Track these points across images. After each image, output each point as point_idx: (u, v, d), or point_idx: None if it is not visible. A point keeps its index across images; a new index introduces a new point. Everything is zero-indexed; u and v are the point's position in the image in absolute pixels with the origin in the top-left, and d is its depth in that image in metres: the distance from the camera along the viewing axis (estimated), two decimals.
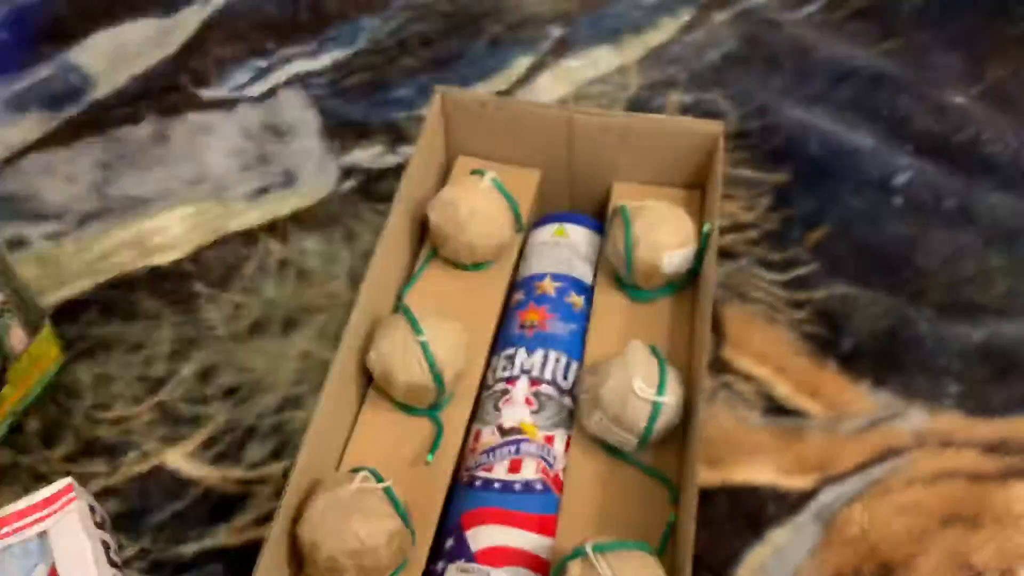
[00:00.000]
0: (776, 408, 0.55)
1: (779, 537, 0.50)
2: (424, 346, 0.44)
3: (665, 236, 0.49)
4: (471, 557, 0.41)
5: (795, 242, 0.64)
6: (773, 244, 0.64)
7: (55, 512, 0.46)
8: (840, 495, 0.51)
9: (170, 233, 0.65)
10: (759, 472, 0.52)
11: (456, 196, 0.50)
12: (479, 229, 0.50)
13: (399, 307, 0.48)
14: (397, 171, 0.68)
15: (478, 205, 0.50)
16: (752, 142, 0.70)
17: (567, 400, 0.48)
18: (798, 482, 0.52)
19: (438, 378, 0.44)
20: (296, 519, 0.41)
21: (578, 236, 0.55)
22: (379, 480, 0.40)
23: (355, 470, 0.42)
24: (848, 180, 0.68)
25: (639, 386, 0.42)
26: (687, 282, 0.51)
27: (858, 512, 0.50)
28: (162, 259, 0.63)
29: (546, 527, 0.43)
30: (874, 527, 0.49)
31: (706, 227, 0.50)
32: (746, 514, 0.50)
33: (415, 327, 0.45)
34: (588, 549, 0.37)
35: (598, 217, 0.58)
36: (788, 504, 0.51)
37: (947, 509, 0.50)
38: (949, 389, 0.55)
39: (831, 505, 0.51)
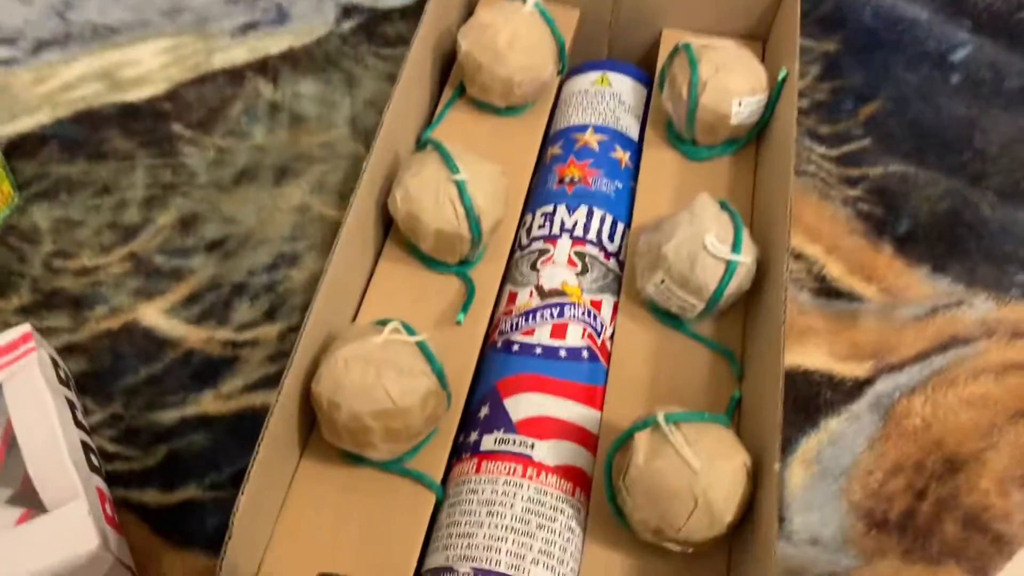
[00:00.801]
0: (828, 290, 0.50)
1: (835, 425, 0.45)
2: (461, 186, 0.37)
3: (737, 80, 0.42)
4: (511, 427, 0.36)
5: (847, 115, 0.58)
6: (823, 116, 0.58)
7: (11, 363, 0.39)
8: (899, 385, 0.46)
9: (143, 67, 0.56)
10: (811, 356, 0.47)
11: (495, 20, 0.43)
12: (520, 61, 0.43)
13: (423, 146, 0.41)
14: (404, 13, 0.60)
15: (520, 32, 0.43)
16: (802, 7, 0.63)
17: (613, 263, 0.42)
18: (853, 369, 0.47)
19: (475, 226, 0.38)
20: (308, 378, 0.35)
21: (623, 86, 0.48)
22: (410, 332, 0.34)
23: (379, 322, 0.35)
24: (902, 53, 0.61)
25: (711, 243, 0.36)
26: (748, 139, 0.45)
27: (919, 403, 0.46)
28: (135, 95, 0.55)
29: (592, 398, 0.37)
30: (938, 420, 0.45)
31: (783, 72, 0.43)
32: (799, 400, 0.45)
33: (450, 164, 0.38)
34: (660, 418, 0.32)
35: (642, 67, 0.51)
36: (843, 391, 0.46)
37: (1019, 403, 0.45)
38: (1016, 278, 0.50)
39: (889, 395, 0.46)
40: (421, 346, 0.34)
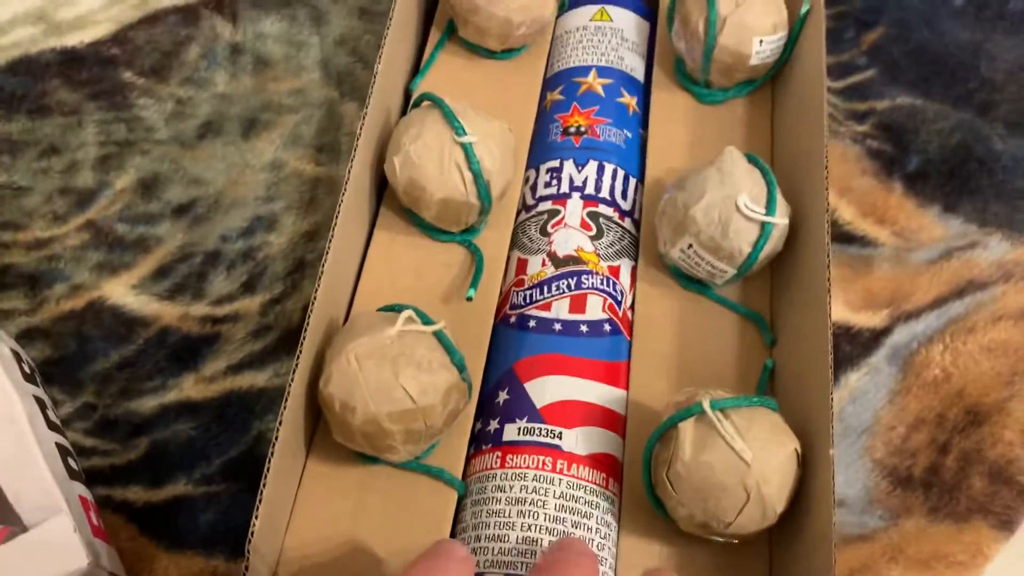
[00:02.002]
0: (840, 235, 0.47)
1: (854, 381, 0.43)
2: (468, 150, 0.34)
3: (757, 16, 0.38)
4: (536, 414, 0.33)
5: (849, 44, 0.55)
6: (827, 46, 0.54)
7: None
8: (916, 334, 0.45)
9: (83, 6, 0.50)
10: None
11: None
12: (520, 0, 0.39)
13: (418, 102, 0.37)
14: None
15: None
16: None
17: (628, 224, 0.39)
18: (870, 319, 0.45)
19: (485, 192, 0.34)
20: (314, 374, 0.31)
21: (625, 21, 0.44)
22: (425, 320, 0.31)
23: (388, 308, 0.32)
24: None
25: (745, 204, 0.33)
26: (765, 79, 0.42)
27: (938, 353, 0.44)
28: (76, 39, 0.49)
29: (617, 376, 0.35)
30: (958, 369, 0.43)
31: (805, 5, 0.40)
32: None
33: (455, 125, 0.34)
34: (706, 406, 0.29)
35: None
36: (861, 344, 0.44)
37: None
38: None
39: (907, 345, 0.44)
40: (439, 335, 0.30)
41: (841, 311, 0.45)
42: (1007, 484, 0.41)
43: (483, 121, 0.35)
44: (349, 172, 0.33)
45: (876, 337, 0.44)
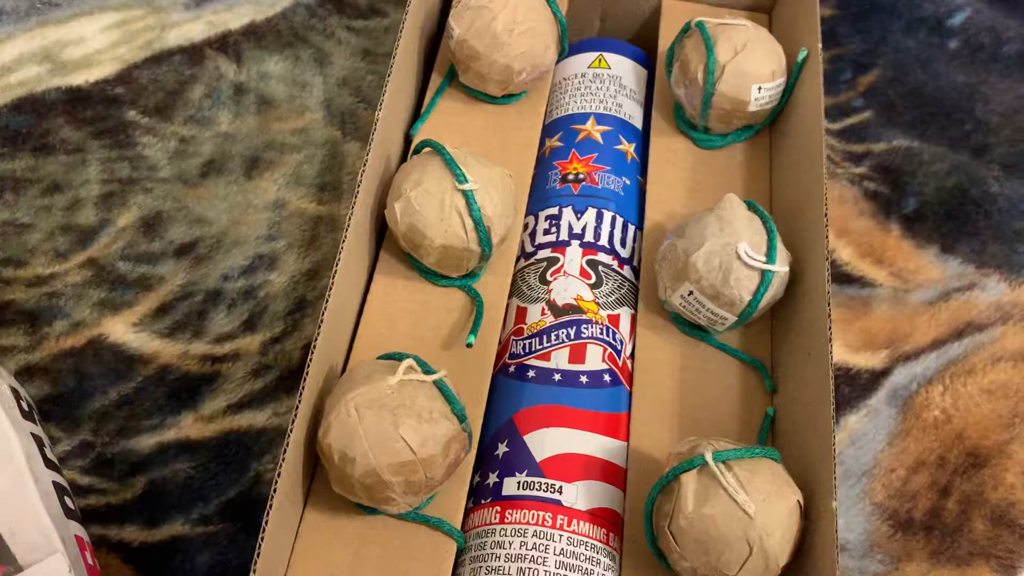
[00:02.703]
0: (839, 275, 0.48)
1: (854, 423, 0.43)
2: (469, 197, 0.34)
3: (756, 64, 0.39)
4: (536, 468, 0.33)
5: (846, 85, 0.55)
6: (823, 87, 0.55)
7: None
8: (916, 375, 0.45)
9: (89, 45, 0.51)
10: None
11: (490, 2, 0.39)
12: (520, 47, 0.39)
13: (419, 148, 0.37)
14: None
15: (519, 15, 0.39)
16: None
17: (628, 272, 0.39)
18: (869, 360, 0.45)
19: (486, 238, 0.35)
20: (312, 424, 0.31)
21: (622, 68, 0.45)
22: (425, 369, 0.31)
23: (388, 356, 0.32)
24: (899, 17, 0.59)
25: (745, 252, 0.33)
26: (764, 125, 0.42)
27: (938, 394, 0.44)
28: (82, 78, 0.50)
29: (617, 427, 0.35)
30: (958, 411, 0.43)
31: (802, 53, 0.40)
32: None
33: (456, 172, 0.34)
34: (708, 458, 0.29)
35: (637, 42, 0.47)
36: (860, 385, 0.44)
37: None
38: None
39: (907, 386, 0.44)
40: (439, 385, 0.30)
41: (840, 352, 0.45)
42: (1009, 527, 0.41)
43: (484, 168, 0.35)
44: (349, 219, 0.33)
45: (875, 378, 0.45)
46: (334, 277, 0.32)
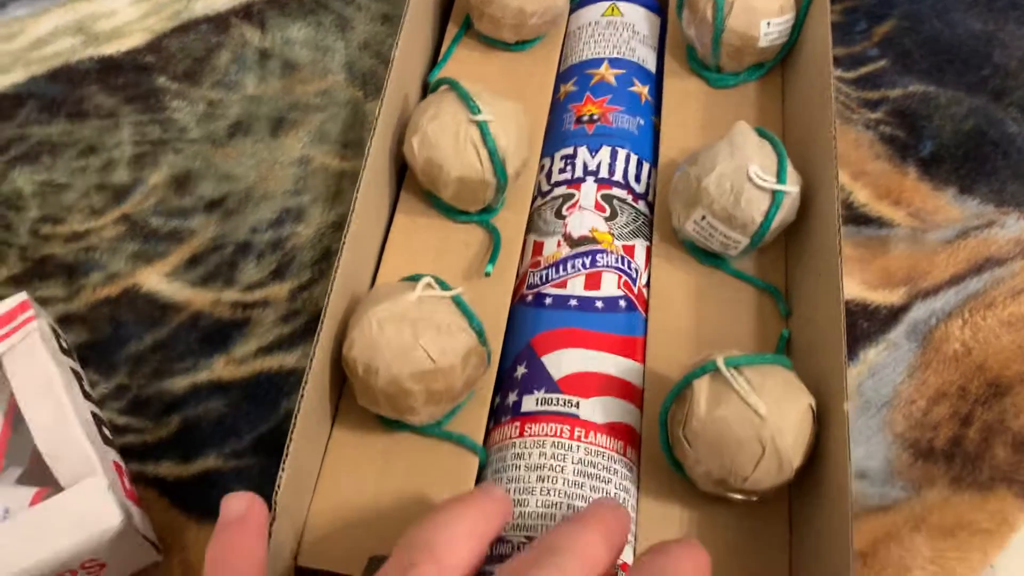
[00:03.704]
0: (856, 216, 0.48)
1: (873, 356, 0.43)
2: (483, 128, 0.35)
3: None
4: (553, 386, 0.34)
5: (861, 35, 0.56)
6: (838, 38, 0.55)
7: (9, 335, 0.36)
8: (935, 310, 0.45)
9: (120, 18, 0.53)
10: (844, 286, 0.45)
11: None
12: None
13: (436, 87, 0.38)
14: None
15: None
16: None
17: (642, 205, 0.40)
18: (887, 296, 0.45)
19: (501, 169, 0.36)
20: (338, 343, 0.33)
21: (635, 15, 0.45)
22: (444, 287, 0.32)
23: (410, 278, 0.33)
24: None
25: (756, 173, 0.34)
26: (775, 62, 0.43)
27: (958, 328, 0.44)
28: (113, 48, 0.52)
29: (633, 350, 0.36)
30: (978, 343, 0.44)
31: None
32: None
33: (470, 104, 0.35)
34: (720, 363, 0.30)
35: None
36: (879, 320, 0.44)
37: None
38: None
39: (926, 321, 0.45)
40: (457, 300, 0.31)
41: (858, 290, 0.46)
42: None
43: (498, 102, 0.36)
44: (368, 153, 0.34)
45: (894, 314, 0.45)
46: (353, 209, 0.33)
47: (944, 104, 0.52)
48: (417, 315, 0.30)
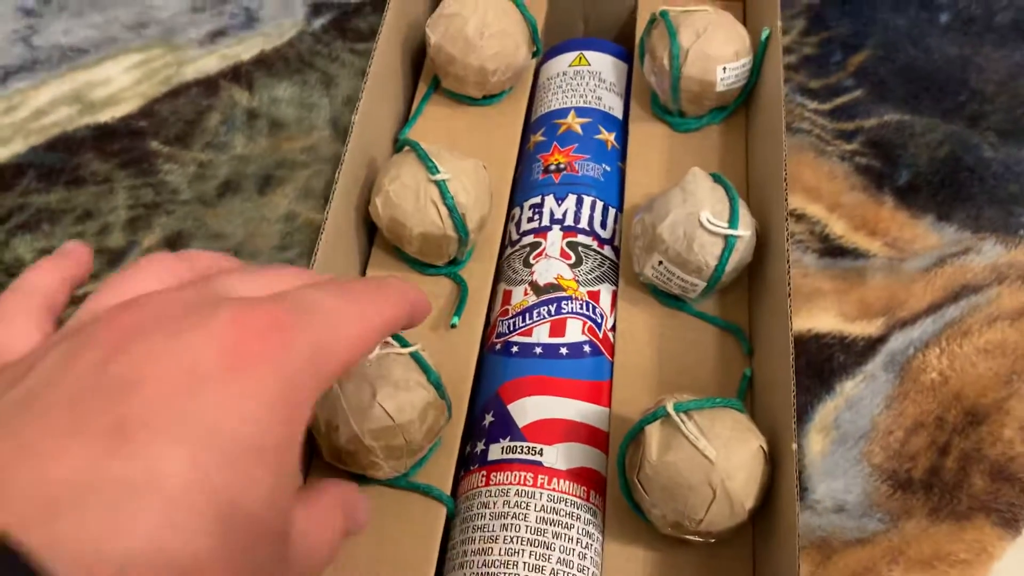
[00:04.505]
0: (833, 249, 0.49)
1: (850, 388, 0.44)
2: (442, 186, 0.36)
3: (719, 45, 0.41)
4: (519, 434, 0.35)
5: (836, 67, 0.56)
6: (813, 71, 0.56)
7: None
8: (912, 340, 0.45)
9: (114, 85, 0.55)
10: (821, 319, 0.46)
11: (462, 8, 0.41)
12: (492, 48, 0.41)
13: (399, 148, 0.39)
14: (375, 5, 0.59)
15: (488, 18, 0.41)
16: None
17: (608, 251, 0.41)
18: (865, 328, 0.46)
19: (460, 225, 0.37)
20: None
21: (601, 64, 0.47)
22: (403, 344, 0.33)
23: None
24: None
25: (707, 218, 0.35)
26: (738, 104, 0.44)
27: (935, 357, 0.45)
28: (108, 115, 0.54)
29: (599, 394, 0.37)
30: (955, 372, 0.44)
31: (765, 31, 0.42)
32: (812, 365, 0.44)
33: (428, 164, 0.37)
34: (669, 408, 0.31)
35: (619, 42, 0.49)
36: (856, 352, 0.45)
37: None
38: None
39: (903, 351, 0.45)
40: (415, 356, 0.33)
41: (835, 322, 0.46)
42: (1009, 481, 0.41)
43: (456, 160, 0.37)
44: (327, 213, 0.36)
45: (872, 345, 0.45)
46: (312, 264, 0.35)
47: (919, 132, 0.53)
48: (376, 373, 0.32)
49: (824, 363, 0.44)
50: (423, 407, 0.32)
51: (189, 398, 0.17)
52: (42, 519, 0.15)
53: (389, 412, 0.31)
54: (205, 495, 0.17)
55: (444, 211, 0.36)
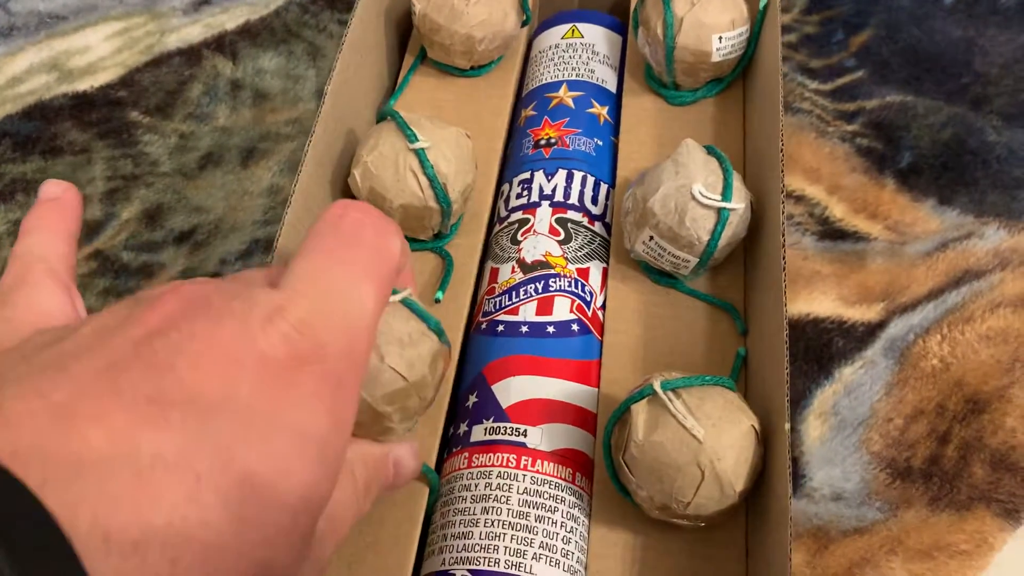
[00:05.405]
0: (832, 231, 0.47)
1: (849, 374, 0.42)
2: (421, 155, 0.35)
3: (714, 14, 0.39)
4: (502, 414, 0.33)
5: (838, 46, 0.55)
6: (814, 50, 0.55)
7: None
8: (913, 326, 0.44)
9: (94, 54, 0.54)
10: (820, 303, 0.44)
11: None
12: (479, 16, 0.40)
13: (380, 119, 0.38)
14: None
15: None
16: None
17: (599, 227, 0.39)
18: (864, 313, 0.44)
19: (442, 195, 0.35)
20: None
21: (595, 36, 0.45)
22: (392, 292, 0.31)
23: None
24: None
25: (700, 191, 0.34)
26: (734, 76, 0.42)
27: (936, 344, 0.43)
28: (87, 84, 0.52)
29: (587, 374, 0.35)
30: (956, 359, 0.42)
31: (763, 0, 0.40)
32: (810, 349, 0.43)
33: (407, 133, 0.35)
34: (656, 386, 0.29)
35: (614, 14, 0.48)
36: (856, 337, 0.44)
37: None
38: None
39: (904, 337, 0.44)
40: (408, 303, 0.30)
41: (835, 306, 0.45)
42: (1010, 471, 0.40)
43: (437, 128, 0.36)
44: (294, 189, 0.34)
45: (871, 331, 0.44)
46: (276, 244, 0.33)
47: (922, 113, 0.52)
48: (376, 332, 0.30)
49: (823, 348, 0.43)
50: (431, 359, 0.29)
51: (229, 382, 0.17)
52: (64, 478, 0.15)
53: (401, 372, 0.28)
54: (233, 478, 0.17)
55: (424, 181, 0.35)
